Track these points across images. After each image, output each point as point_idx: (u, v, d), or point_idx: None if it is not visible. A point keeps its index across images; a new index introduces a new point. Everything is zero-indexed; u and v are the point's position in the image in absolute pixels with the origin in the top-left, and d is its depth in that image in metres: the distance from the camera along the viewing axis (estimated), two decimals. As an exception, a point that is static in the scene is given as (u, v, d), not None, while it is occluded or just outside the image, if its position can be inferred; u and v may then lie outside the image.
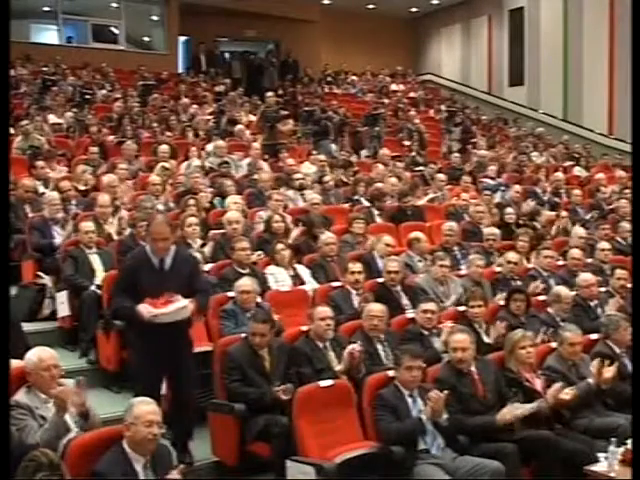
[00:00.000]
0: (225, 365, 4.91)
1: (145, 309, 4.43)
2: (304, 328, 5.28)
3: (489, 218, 8.66)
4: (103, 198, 7.35)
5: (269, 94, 12.47)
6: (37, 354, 4.05)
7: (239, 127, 12.08)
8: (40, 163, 8.78)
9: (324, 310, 5.18)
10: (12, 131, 9.80)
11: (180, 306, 4.47)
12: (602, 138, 16.40)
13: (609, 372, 4.99)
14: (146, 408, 3.57)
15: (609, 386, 5.03)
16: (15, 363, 4.21)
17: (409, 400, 4.57)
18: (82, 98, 12.29)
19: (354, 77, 19.22)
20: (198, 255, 6.31)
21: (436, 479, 4.27)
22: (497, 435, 4.59)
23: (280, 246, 6.60)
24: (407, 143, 13.08)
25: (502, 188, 10.43)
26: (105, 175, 8.47)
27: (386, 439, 4.43)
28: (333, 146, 12.68)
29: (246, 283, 5.62)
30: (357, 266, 6.24)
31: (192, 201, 7.62)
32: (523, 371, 5.02)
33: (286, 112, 12.84)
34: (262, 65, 17.43)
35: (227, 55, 19.34)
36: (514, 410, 4.60)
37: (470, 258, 6.98)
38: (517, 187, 10.09)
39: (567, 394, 4.85)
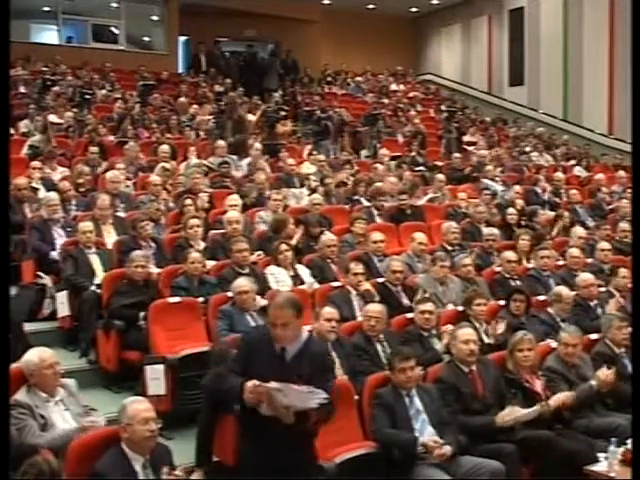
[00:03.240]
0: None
1: (274, 383, 3.44)
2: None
3: (497, 217, 8.69)
4: (103, 200, 7.37)
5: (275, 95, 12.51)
6: (37, 354, 4.13)
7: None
8: (36, 163, 8.79)
9: (331, 311, 5.15)
10: (12, 131, 9.81)
11: (310, 389, 3.43)
12: (602, 138, 16.40)
13: (609, 375, 4.99)
14: (139, 406, 3.57)
15: (609, 388, 5.03)
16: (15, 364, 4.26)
17: (407, 400, 4.57)
18: (82, 98, 12.28)
19: (359, 78, 19.19)
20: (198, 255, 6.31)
21: (436, 479, 4.28)
22: (497, 435, 4.60)
23: (284, 247, 6.60)
24: (401, 140, 13.08)
25: (502, 188, 10.43)
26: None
27: (377, 439, 4.44)
28: (333, 146, 12.68)
29: (243, 284, 5.60)
30: (359, 267, 6.25)
31: (188, 201, 7.66)
32: (523, 372, 5.02)
33: (284, 113, 12.84)
34: (263, 65, 17.42)
35: (227, 55, 19.32)
36: (515, 414, 4.60)
37: (457, 259, 6.98)
38: (517, 187, 10.10)
39: (568, 397, 4.84)
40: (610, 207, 10.18)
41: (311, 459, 3.73)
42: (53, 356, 4.17)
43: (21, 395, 4.00)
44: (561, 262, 7.56)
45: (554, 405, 4.76)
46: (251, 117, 12.81)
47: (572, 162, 13.82)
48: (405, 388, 4.57)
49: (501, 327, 5.69)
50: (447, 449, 4.32)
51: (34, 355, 4.13)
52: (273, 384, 3.42)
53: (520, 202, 9.44)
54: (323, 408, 3.47)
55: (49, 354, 4.17)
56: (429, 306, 5.59)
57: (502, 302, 6.23)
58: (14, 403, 3.92)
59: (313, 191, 9.11)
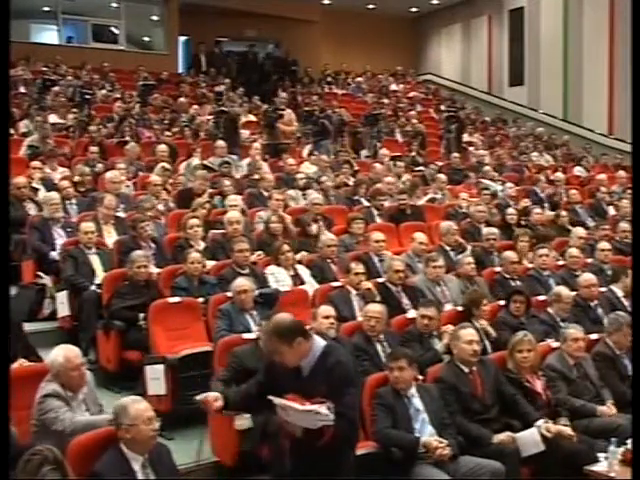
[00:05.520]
0: (229, 365, 4.86)
1: (277, 399, 3.50)
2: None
3: (497, 217, 8.71)
4: (109, 200, 7.36)
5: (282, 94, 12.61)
6: (63, 354, 4.02)
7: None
8: (36, 163, 8.78)
9: (328, 309, 5.23)
10: (12, 131, 9.81)
11: (313, 410, 3.36)
12: (602, 138, 16.40)
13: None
14: (141, 406, 3.56)
15: None
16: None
17: (406, 400, 4.56)
18: (82, 98, 12.27)
19: (359, 78, 19.16)
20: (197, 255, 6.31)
21: (436, 479, 4.27)
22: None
23: (285, 247, 6.61)
24: (401, 140, 13.07)
25: (501, 188, 10.43)
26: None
27: (378, 439, 4.44)
28: (333, 146, 12.67)
29: (243, 283, 5.61)
30: (360, 267, 6.25)
31: (208, 205, 7.73)
32: (524, 372, 5.02)
33: (283, 112, 12.83)
34: (263, 66, 17.41)
35: (227, 55, 19.33)
36: (512, 440, 4.57)
37: (459, 258, 6.98)
38: (510, 184, 10.09)
39: (566, 431, 4.68)
40: (610, 207, 10.17)
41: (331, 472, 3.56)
42: (78, 356, 4.05)
43: (52, 386, 3.94)
44: (561, 262, 7.56)
45: (551, 434, 4.59)
46: (252, 117, 12.83)
47: (572, 162, 13.82)
48: (399, 388, 4.56)
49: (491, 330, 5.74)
50: (449, 449, 4.32)
51: (59, 355, 3.99)
52: (277, 400, 3.45)
53: (526, 201, 9.43)
54: (339, 425, 3.39)
55: (75, 354, 4.02)
56: (431, 311, 5.49)
57: (502, 302, 6.23)
58: (52, 392, 3.87)
59: (303, 189, 9.10)
